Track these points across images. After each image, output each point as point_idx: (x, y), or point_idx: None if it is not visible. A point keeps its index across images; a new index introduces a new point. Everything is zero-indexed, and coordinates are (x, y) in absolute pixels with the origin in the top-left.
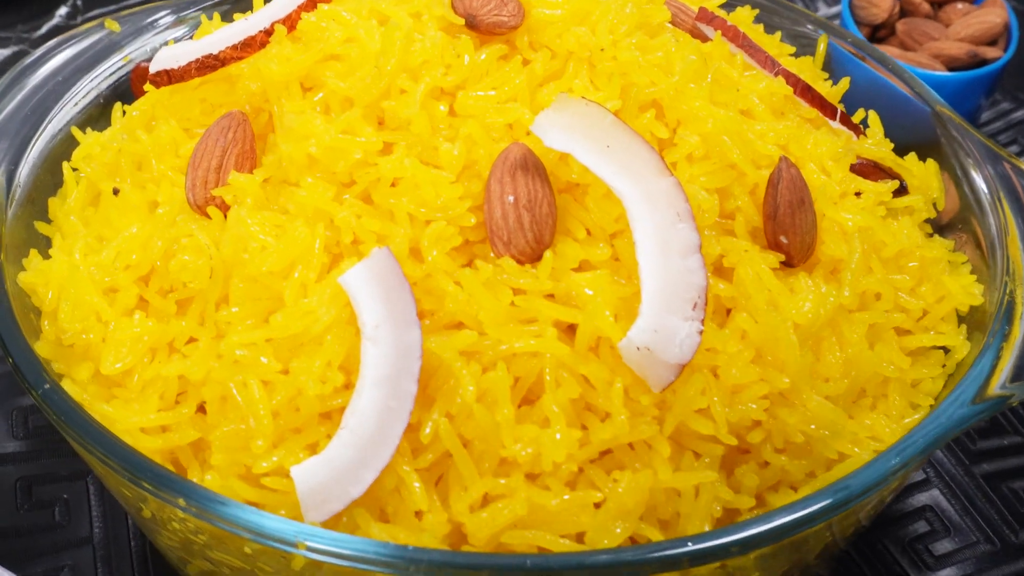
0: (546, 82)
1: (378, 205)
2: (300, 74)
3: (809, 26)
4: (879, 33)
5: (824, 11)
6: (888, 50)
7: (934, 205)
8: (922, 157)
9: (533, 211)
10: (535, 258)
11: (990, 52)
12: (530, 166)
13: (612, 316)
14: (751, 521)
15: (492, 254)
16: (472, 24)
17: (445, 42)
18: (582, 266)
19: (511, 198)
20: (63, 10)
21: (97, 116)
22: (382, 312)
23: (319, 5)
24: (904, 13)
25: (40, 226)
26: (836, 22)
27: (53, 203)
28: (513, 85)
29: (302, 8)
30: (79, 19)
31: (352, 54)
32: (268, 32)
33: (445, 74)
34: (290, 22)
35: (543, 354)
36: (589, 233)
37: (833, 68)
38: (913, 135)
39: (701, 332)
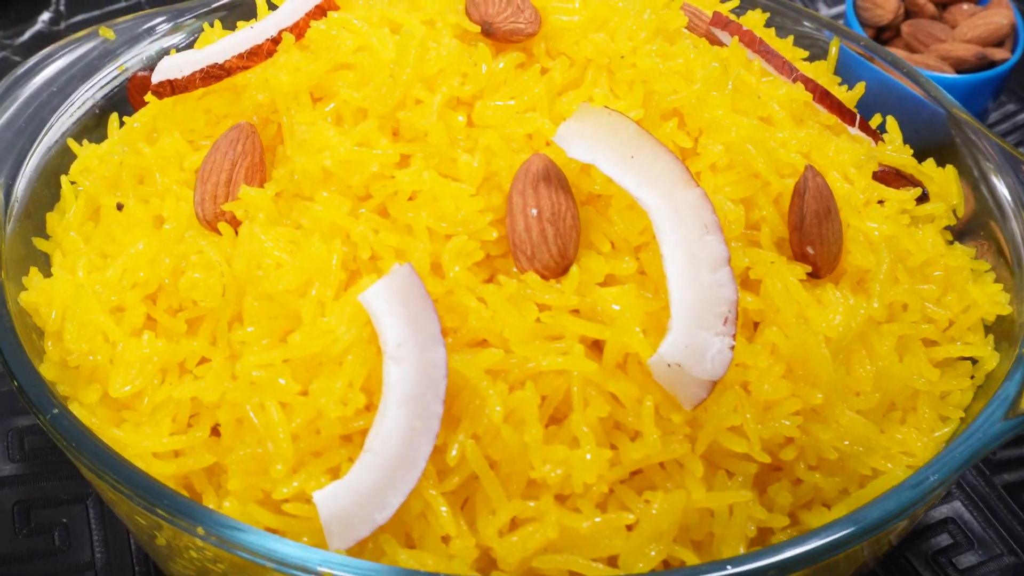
0: (565, 91)
1: (395, 219)
2: (310, 84)
3: (809, 24)
4: (884, 35)
5: (825, 12)
6: (893, 52)
7: (953, 212)
8: (936, 161)
9: (557, 224)
10: (559, 273)
11: (998, 53)
12: (552, 178)
13: (640, 332)
14: (791, 542)
15: (515, 269)
16: (488, 32)
17: (461, 50)
18: (607, 280)
19: (534, 211)
20: (46, 16)
21: (92, 127)
22: (405, 330)
23: (328, 13)
24: (909, 14)
25: (38, 242)
26: (839, 23)
27: (51, 218)
28: (532, 94)
29: (310, 16)
30: (63, 24)
31: (365, 63)
32: (275, 40)
33: (462, 83)
34: (298, 30)
35: (570, 372)
36: (613, 246)
37: (838, 71)
38: (927, 139)
39: (733, 347)
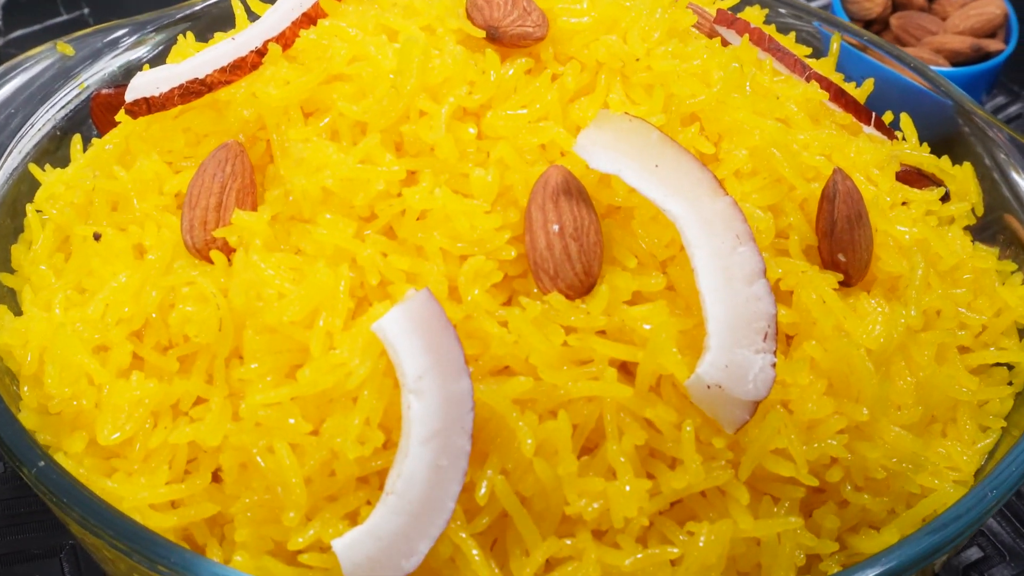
0: (577, 97)
1: (404, 241)
2: (301, 98)
3: (785, 11)
4: (871, 29)
5: None
6: None
7: (972, 211)
8: (940, 155)
9: (580, 240)
10: (584, 292)
11: (992, 45)
12: (573, 190)
13: (676, 352)
14: (849, 572)
15: (536, 289)
16: (494, 36)
17: (466, 57)
18: (635, 298)
19: (556, 227)
20: None
21: (52, 150)
22: (426, 361)
23: (319, 21)
24: (896, 7)
25: (4, 277)
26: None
27: (16, 250)
28: (544, 102)
29: (297, 25)
30: (0, 41)
31: (363, 74)
32: (260, 52)
33: (470, 92)
34: (285, 40)
35: (602, 398)
36: (639, 261)
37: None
38: (931, 132)
39: (775, 365)
